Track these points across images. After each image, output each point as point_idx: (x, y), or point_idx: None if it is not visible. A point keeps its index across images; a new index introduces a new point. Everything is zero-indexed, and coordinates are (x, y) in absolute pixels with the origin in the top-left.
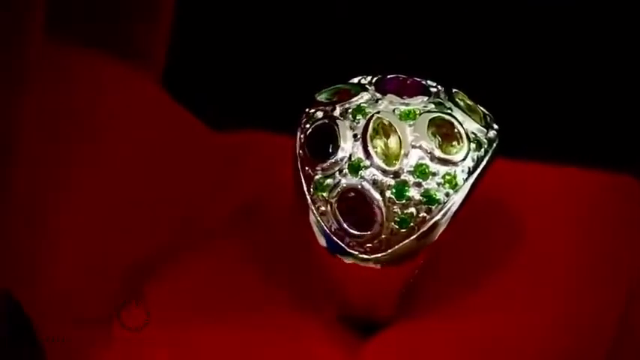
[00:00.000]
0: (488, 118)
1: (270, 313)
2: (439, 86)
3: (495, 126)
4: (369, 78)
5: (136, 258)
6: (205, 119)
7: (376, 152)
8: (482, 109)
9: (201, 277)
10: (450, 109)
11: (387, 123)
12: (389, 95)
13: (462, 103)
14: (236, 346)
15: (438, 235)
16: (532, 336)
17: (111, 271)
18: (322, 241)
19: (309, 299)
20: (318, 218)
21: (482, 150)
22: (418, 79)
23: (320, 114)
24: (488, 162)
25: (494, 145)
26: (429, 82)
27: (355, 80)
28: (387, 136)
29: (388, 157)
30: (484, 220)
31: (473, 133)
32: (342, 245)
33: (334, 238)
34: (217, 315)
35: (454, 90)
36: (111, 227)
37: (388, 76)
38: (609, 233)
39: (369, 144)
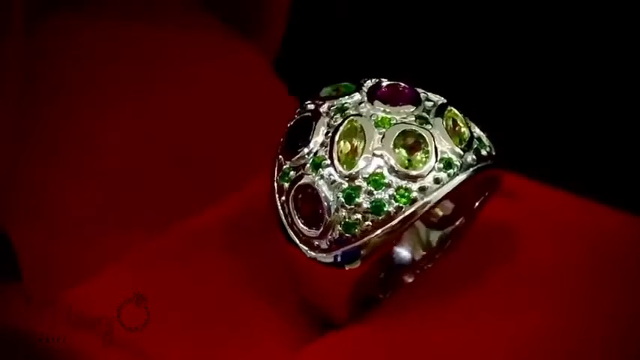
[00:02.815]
0: (476, 143)
1: (231, 297)
2: (440, 100)
3: (484, 152)
4: (374, 80)
5: (142, 220)
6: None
7: (339, 153)
8: (475, 131)
9: (173, 254)
10: (430, 124)
11: (358, 127)
12: (375, 100)
13: (448, 121)
14: (185, 325)
15: (381, 246)
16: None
17: (114, 223)
18: (280, 232)
19: (271, 289)
20: (279, 208)
21: (451, 172)
22: (416, 90)
23: (311, 106)
24: (460, 184)
25: (471, 169)
26: (429, 95)
27: (363, 81)
28: (354, 140)
29: (348, 161)
30: (480, 236)
31: (445, 152)
32: (295, 239)
33: (289, 230)
34: (176, 290)
35: (449, 107)
36: (129, 181)
37: (385, 82)
38: (608, 269)
39: (335, 144)
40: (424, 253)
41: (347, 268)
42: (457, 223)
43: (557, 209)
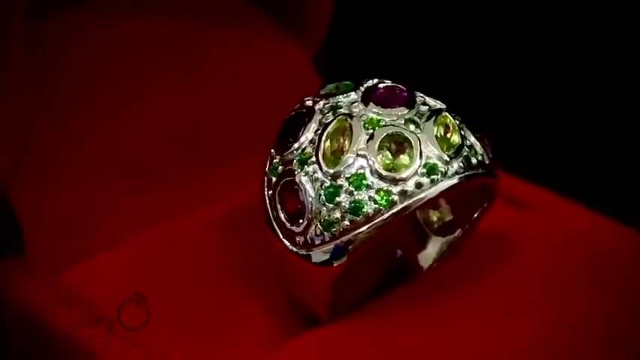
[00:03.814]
0: (466, 150)
1: (220, 293)
2: (437, 105)
3: (474, 160)
4: (374, 81)
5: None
6: None
7: (324, 151)
8: (469, 139)
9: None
10: (419, 128)
11: (347, 126)
12: (369, 101)
13: (440, 127)
14: (167, 311)
15: (358, 248)
16: None
17: (122, 206)
18: (267, 225)
19: (263, 284)
20: (267, 201)
21: (434, 177)
22: (414, 93)
23: (309, 103)
24: (444, 191)
25: (457, 177)
26: (427, 99)
27: (364, 80)
28: (341, 139)
29: (332, 159)
30: (478, 240)
31: (430, 158)
32: (279, 233)
33: (274, 224)
34: (168, 282)
35: (444, 113)
36: (139, 168)
37: (384, 83)
38: (607, 275)
39: (322, 142)
40: (428, 261)
41: (334, 264)
42: (456, 233)
43: (560, 217)
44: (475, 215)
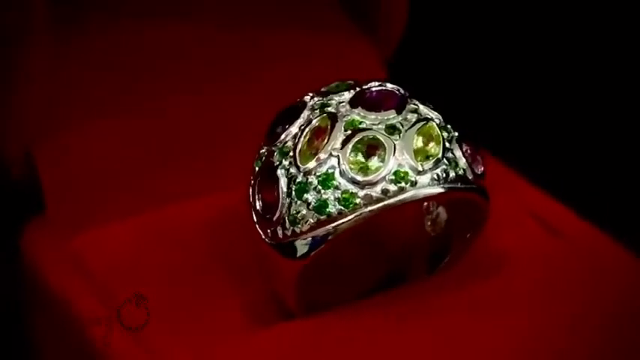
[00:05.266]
0: (445, 164)
1: (212, 279)
2: (428, 115)
3: (452, 174)
4: (373, 83)
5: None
6: None
7: (301, 147)
8: (454, 153)
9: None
10: (398, 135)
11: (328, 125)
12: (357, 103)
13: (421, 137)
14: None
15: (323, 245)
16: None
17: (141, 181)
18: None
19: (241, 273)
20: (250, 190)
21: (403, 185)
22: (408, 99)
23: (306, 98)
24: (414, 200)
25: (428, 187)
26: (421, 108)
27: (366, 81)
28: (320, 137)
29: (307, 156)
30: (480, 250)
31: (402, 166)
32: (255, 222)
33: (253, 213)
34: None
35: (430, 124)
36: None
37: (381, 86)
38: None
39: (302, 138)
40: (418, 277)
41: (299, 259)
42: (449, 251)
43: (561, 228)
44: (468, 235)
